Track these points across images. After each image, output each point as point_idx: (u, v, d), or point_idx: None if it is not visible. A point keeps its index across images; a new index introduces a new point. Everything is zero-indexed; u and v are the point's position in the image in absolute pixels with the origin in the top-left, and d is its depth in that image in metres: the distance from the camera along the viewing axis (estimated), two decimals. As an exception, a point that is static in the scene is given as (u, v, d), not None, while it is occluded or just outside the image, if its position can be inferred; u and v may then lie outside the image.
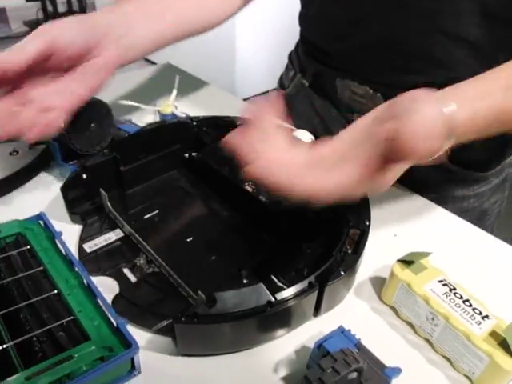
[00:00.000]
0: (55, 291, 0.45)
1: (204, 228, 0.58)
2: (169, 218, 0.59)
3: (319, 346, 0.39)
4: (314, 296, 0.46)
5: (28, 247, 0.50)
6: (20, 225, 0.52)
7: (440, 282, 0.47)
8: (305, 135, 0.64)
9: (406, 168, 0.42)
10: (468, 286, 0.47)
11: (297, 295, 0.44)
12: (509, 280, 0.55)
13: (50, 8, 3.50)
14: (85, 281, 0.46)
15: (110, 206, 0.57)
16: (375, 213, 0.54)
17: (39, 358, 0.39)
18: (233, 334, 0.43)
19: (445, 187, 0.72)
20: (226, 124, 0.69)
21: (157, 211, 0.60)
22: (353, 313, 0.50)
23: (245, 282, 0.50)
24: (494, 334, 0.42)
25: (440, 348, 0.45)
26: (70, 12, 3.47)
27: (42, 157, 0.68)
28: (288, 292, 0.44)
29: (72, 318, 0.43)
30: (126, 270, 0.52)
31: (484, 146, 0.70)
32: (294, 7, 0.84)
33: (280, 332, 0.46)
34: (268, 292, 0.43)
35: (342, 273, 0.47)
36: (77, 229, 0.58)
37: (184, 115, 0.76)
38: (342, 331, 0.41)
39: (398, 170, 0.42)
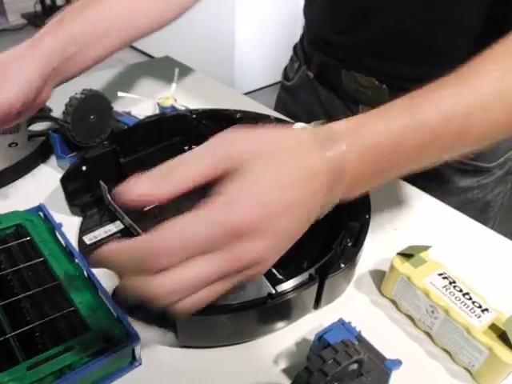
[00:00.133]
0: (56, 282, 0.45)
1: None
2: (169, 210, 0.59)
3: (320, 337, 0.40)
4: (314, 288, 0.46)
5: (28, 238, 0.50)
6: (20, 216, 0.52)
7: (440, 275, 0.47)
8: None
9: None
10: (468, 280, 0.47)
11: (297, 287, 0.44)
12: (508, 273, 0.55)
13: (47, 1, 3.49)
14: (85, 272, 0.46)
15: (109, 197, 0.57)
16: (375, 206, 0.55)
17: (40, 348, 0.39)
18: (233, 326, 0.43)
19: (449, 178, 0.73)
20: (225, 117, 0.69)
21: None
22: (353, 306, 0.50)
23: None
24: (493, 327, 0.42)
25: (440, 341, 0.45)
26: (68, 4, 3.44)
27: (41, 149, 0.68)
28: (288, 284, 0.44)
29: (72, 308, 0.43)
30: (125, 262, 0.52)
31: None
32: (294, 2, 0.84)
33: (280, 324, 0.46)
34: (268, 284, 0.43)
35: (342, 265, 0.47)
36: (76, 221, 0.58)
37: (183, 108, 0.75)
38: (342, 323, 0.41)
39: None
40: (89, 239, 0.55)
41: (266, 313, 0.44)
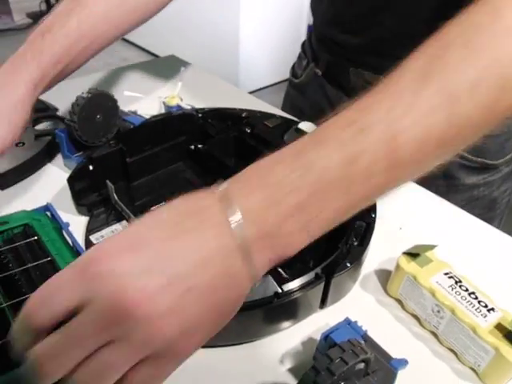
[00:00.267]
0: (63, 282, 0.45)
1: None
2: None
3: (326, 337, 0.40)
4: (320, 288, 0.46)
5: (36, 238, 0.50)
6: (27, 215, 0.52)
7: (446, 274, 0.47)
8: (310, 127, 0.64)
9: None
10: (473, 279, 0.47)
11: (303, 287, 0.44)
12: (514, 273, 0.55)
13: (52, 0, 3.50)
14: (92, 271, 0.46)
15: (116, 197, 0.57)
16: (380, 205, 0.55)
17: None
18: (239, 325, 0.44)
19: (455, 175, 0.73)
20: (231, 116, 0.69)
21: (163, 203, 0.60)
22: (359, 305, 0.50)
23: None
24: (499, 327, 0.42)
25: (445, 340, 0.45)
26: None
27: (47, 148, 0.68)
28: (295, 283, 0.44)
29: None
30: (132, 261, 0.52)
31: (495, 135, 0.70)
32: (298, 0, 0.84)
33: (286, 323, 0.46)
34: (275, 283, 0.43)
35: (348, 265, 0.47)
36: (83, 220, 0.58)
37: (189, 107, 0.76)
38: (348, 323, 0.41)
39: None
40: (95, 238, 0.55)
41: (272, 312, 0.44)
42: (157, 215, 0.31)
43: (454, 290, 0.45)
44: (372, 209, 0.53)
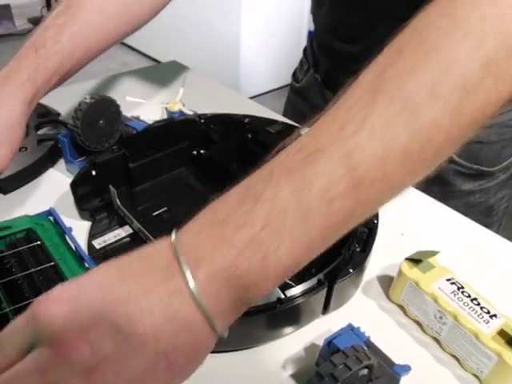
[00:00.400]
0: (66, 286, 0.45)
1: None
2: (177, 214, 0.60)
3: (329, 342, 0.40)
4: (322, 293, 0.46)
5: (39, 243, 0.50)
6: (30, 220, 0.52)
7: (448, 280, 0.47)
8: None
9: None
10: (475, 285, 0.47)
11: (306, 292, 0.44)
12: (516, 279, 0.55)
13: (54, 5, 3.51)
14: (95, 276, 0.46)
15: (118, 202, 0.57)
16: (382, 212, 0.55)
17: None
18: (242, 331, 0.44)
19: (451, 181, 0.73)
20: (233, 122, 0.69)
21: (165, 208, 0.60)
22: (361, 311, 0.50)
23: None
24: (502, 333, 0.42)
25: (448, 347, 0.45)
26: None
27: (50, 153, 0.68)
28: (297, 289, 0.44)
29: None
30: (135, 267, 0.52)
31: (492, 142, 0.70)
32: (299, 5, 0.85)
33: (289, 329, 0.46)
34: (278, 289, 0.43)
35: (351, 271, 0.47)
36: (86, 225, 0.58)
37: (191, 113, 0.76)
38: (351, 329, 0.41)
39: None
40: (98, 243, 0.55)
41: (275, 318, 0.44)
42: (108, 262, 0.30)
43: (457, 296, 0.45)
44: (374, 215, 0.53)
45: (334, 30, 0.74)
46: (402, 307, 0.50)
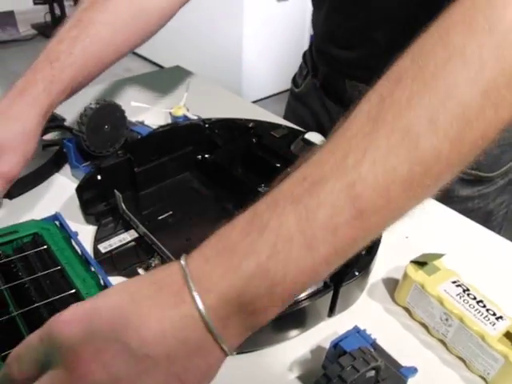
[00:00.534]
0: (73, 290, 0.46)
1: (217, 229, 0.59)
2: (182, 219, 0.60)
3: (335, 345, 0.40)
4: (328, 296, 0.46)
5: (45, 247, 0.50)
6: (37, 225, 0.53)
7: (453, 282, 0.47)
8: (317, 137, 0.64)
9: None
10: (481, 288, 0.47)
11: (312, 295, 0.44)
12: (521, 282, 0.55)
13: (57, 11, 3.52)
14: (102, 281, 0.47)
15: (124, 206, 0.58)
16: (388, 214, 0.55)
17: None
18: (248, 334, 0.44)
19: (449, 186, 0.73)
20: (238, 126, 0.69)
21: (170, 212, 0.61)
22: (366, 313, 0.50)
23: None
24: (508, 335, 0.42)
25: (454, 349, 0.46)
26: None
27: (55, 158, 0.69)
28: (303, 292, 0.44)
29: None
30: (140, 271, 0.53)
31: (491, 147, 0.70)
32: (301, 10, 0.85)
33: (295, 332, 0.47)
34: (284, 292, 0.43)
35: (357, 273, 0.47)
36: (91, 229, 0.58)
37: (196, 117, 0.76)
38: (357, 331, 0.41)
39: None
40: (104, 247, 0.56)
41: (281, 320, 0.44)
42: (120, 285, 0.31)
43: (462, 299, 0.45)
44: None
45: (331, 36, 0.75)
46: (407, 310, 0.50)
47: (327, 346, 0.41)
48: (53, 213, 0.55)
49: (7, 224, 0.54)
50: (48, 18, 3.56)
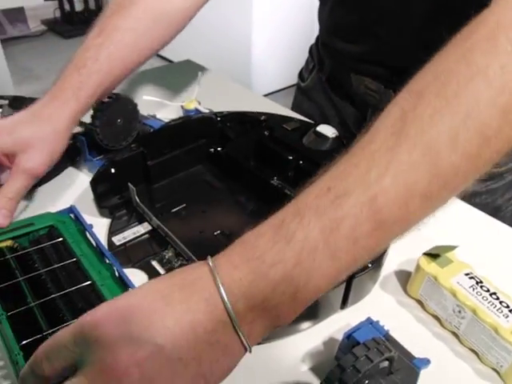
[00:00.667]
0: (89, 282, 0.46)
1: (231, 221, 0.59)
2: (196, 211, 0.60)
3: (348, 336, 0.40)
4: (341, 288, 0.46)
5: (61, 239, 0.51)
6: (52, 217, 0.53)
7: (466, 275, 0.47)
8: (328, 130, 0.64)
9: None
10: (494, 280, 0.47)
11: (325, 287, 0.45)
12: (534, 274, 0.55)
13: (67, 7, 3.54)
14: (116, 272, 0.47)
15: (137, 199, 0.58)
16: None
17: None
18: (262, 325, 0.44)
19: None
20: (250, 119, 0.69)
21: (184, 205, 0.61)
22: (379, 306, 0.50)
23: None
24: (521, 327, 0.43)
25: (467, 341, 0.46)
26: (86, 10, 3.50)
27: (69, 152, 0.69)
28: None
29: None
30: (154, 263, 0.53)
31: None
32: (310, 4, 0.85)
33: (308, 323, 0.47)
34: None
35: (369, 265, 0.47)
36: (105, 222, 0.59)
37: (207, 111, 0.77)
38: (370, 322, 0.41)
39: None
40: (118, 240, 0.56)
41: (294, 312, 0.44)
42: (151, 285, 0.32)
43: (475, 291, 0.45)
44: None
45: (336, 30, 0.75)
46: (420, 302, 0.50)
47: (340, 337, 0.42)
48: (68, 206, 0.56)
49: (23, 217, 0.55)
50: (58, 13, 3.58)
